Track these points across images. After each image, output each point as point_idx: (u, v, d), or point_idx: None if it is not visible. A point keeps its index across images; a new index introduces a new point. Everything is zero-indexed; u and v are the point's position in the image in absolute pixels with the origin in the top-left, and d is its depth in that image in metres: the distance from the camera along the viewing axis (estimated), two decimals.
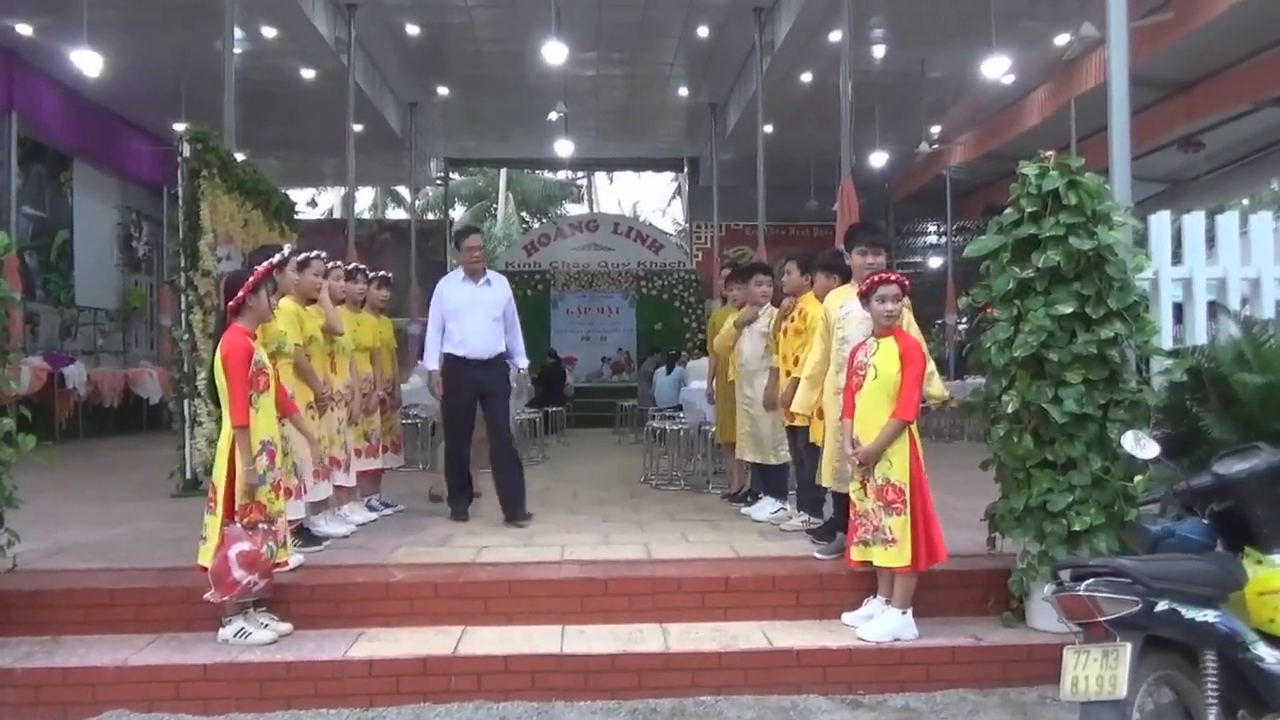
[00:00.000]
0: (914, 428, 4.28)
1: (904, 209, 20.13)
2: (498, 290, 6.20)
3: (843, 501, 4.82)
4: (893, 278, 4.33)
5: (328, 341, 5.73)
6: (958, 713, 3.88)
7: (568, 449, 12.42)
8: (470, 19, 13.45)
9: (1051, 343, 4.15)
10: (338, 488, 5.95)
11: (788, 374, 5.90)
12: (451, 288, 6.18)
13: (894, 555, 4.20)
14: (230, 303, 4.34)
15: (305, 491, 5.22)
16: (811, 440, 5.47)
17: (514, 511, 6.08)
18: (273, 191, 9.04)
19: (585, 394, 16.66)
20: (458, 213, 32.01)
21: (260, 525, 4.18)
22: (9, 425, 4.46)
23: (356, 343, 6.22)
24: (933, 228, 21.07)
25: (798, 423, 5.66)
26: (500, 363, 6.14)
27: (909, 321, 4.56)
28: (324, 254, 5.74)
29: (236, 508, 4.17)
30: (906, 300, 4.50)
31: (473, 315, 6.05)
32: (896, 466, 4.22)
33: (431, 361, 6.13)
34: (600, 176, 34.50)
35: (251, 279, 4.36)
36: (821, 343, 5.12)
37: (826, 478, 4.97)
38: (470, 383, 6.05)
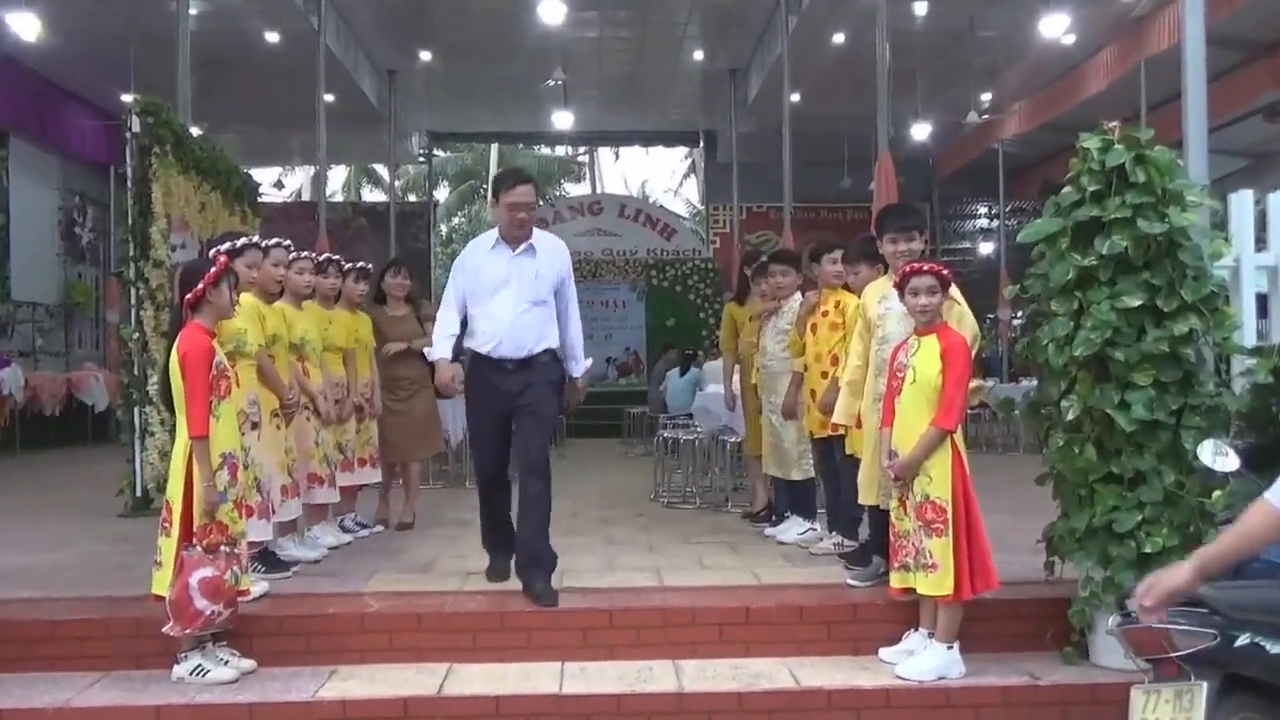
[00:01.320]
0: (958, 437, 4.28)
1: (950, 188, 20.10)
2: (545, 261, 4.97)
3: (881, 522, 4.82)
4: (925, 268, 4.34)
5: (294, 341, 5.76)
6: None
7: (567, 461, 12.43)
8: None
9: (1117, 340, 4.14)
10: (311, 506, 5.97)
11: (824, 374, 5.90)
12: (478, 256, 5.03)
13: (934, 582, 4.20)
14: (188, 296, 4.37)
15: (273, 511, 5.25)
16: (849, 452, 5.47)
17: (531, 578, 4.81)
18: (233, 171, 9.08)
19: (588, 399, 16.65)
20: (442, 194, 32.11)
21: (222, 548, 4.21)
22: None
23: (326, 342, 6.25)
24: (983, 209, 21.03)
25: (835, 431, 5.66)
26: (545, 365, 4.95)
27: (960, 317, 4.56)
28: (288, 242, 5.75)
29: (195, 529, 4.20)
30: (957, 293, 4.50)
31: (504, 297, 4.89)
32: (937, 482, 4.22)
33: (440, 347, 5.03)
34: (604, 153, 34.60)
35: (213, 270, 4.39)
36: (860, 342, 5.13)
37: (870, 494, 4.97)
38: (500, 395, 4.91)
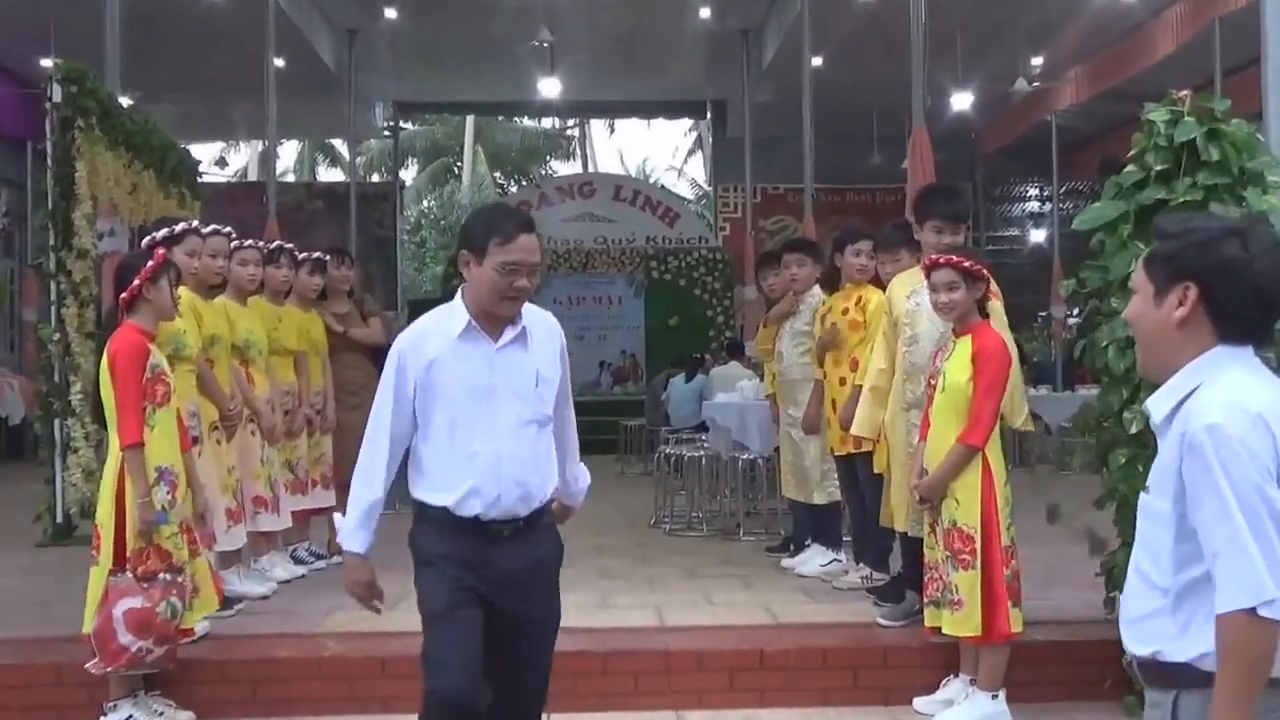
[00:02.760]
0: (992, 455, 4.31)
1: (996, 166, 20.09)
2: (543, 352, 3.48)
3: (915, 552, 4.84)
4: (942, 260, 4.37)
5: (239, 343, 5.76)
6: None
7: None
8: None
9: None
10: (258, 534, 5.97)
11: (842, 381, 5.91)
12: (436, 348, 3.36)
13: (960, 621, 4.24)
14: (123, 294, 4.39)
15: (214, 540, 5.26)
16: (876, 471, 5.48)
17: None
18: (169, 147, 9.09)
19: (578, 409, 16.55)
20: (410, 173, 32.11)
21: (161, 576, 4.22)
22: None
23: (274, 344, 6.25)
24: (1034, 191, 21.04)
25: (858, 448, 5.67)
26: (548, 530, 3.47)
27: (997, 316, 4.59)
28: (229, 229, 5.75)
29: (129, 554, 4.21)
30: (994, 289, 4.53)
31: (492, 419, 3.34)
32: (964, 506, 4.25)
33: (354, 537, 3.35)
34: (597, 125, 34.61)
35: (152, 263, 4.41)
36: (885, 343, 5.15)
37: (899, 519, 4.98)
38: (483, 580, 3.31)
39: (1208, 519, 1.93)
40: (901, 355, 5.00)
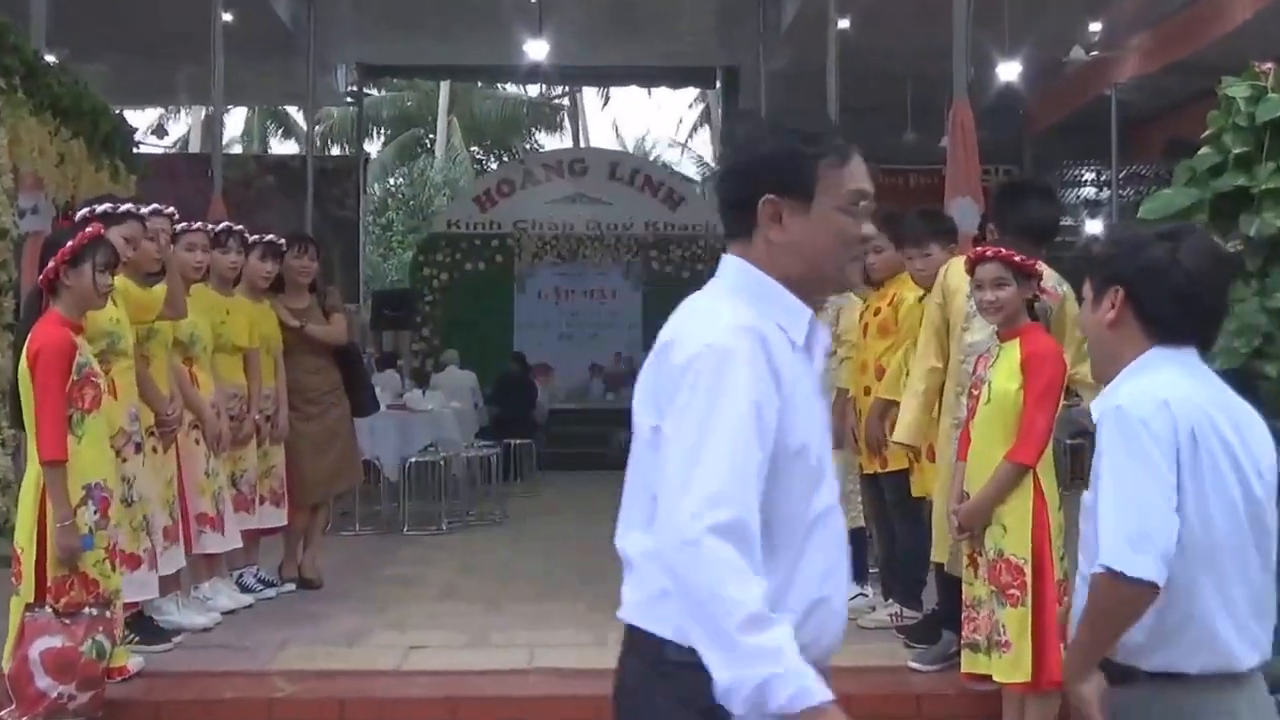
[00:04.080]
0: (1044, 476, 4.31)
1: (1047, 145, 20.10)
2: None
3: (952, 586, 4.84)
4: (989, 253, 4.39)
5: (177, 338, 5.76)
6: None
7: (538, 500, 12.45)
8: None
9: (1268, 350, 4.16)
10: (200, 557, 5.97)
11: (866, 390, 5.92)
12: (786, 369, 2.21)
13: (1007, 665, 4.24)
14: (40, 277, 4.39)
15: (155, 560, 5.25)
16: (916, 494, 5.48)
17: None
18: (102, 112, 9.08)
19: (565, 419, 16.68)
20: (375, 145, 32.12)
21: (86, 610, 4.22)
22: None
23: (221, 340, 6.25)
24: (1090, 175, 21.07)
25: (885, 468, 5.67)
26: None
27: (1071, 318, 4.60)
28: (171, 209, 5.76)
29: (50, 582, 4.21)
30: (1062, 288, 4.54)
31: (831, 485, 2.36)
32: (1013, 534, 4.25)
33: (795, 660, 2.10)
34: (590, 94, 34.65)
35: (73, 242, 4.40)
36: (935, 339, 5.14)
37: (941, 550, 4.98)
38: None
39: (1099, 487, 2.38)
40: (956, 364, 4.98)
